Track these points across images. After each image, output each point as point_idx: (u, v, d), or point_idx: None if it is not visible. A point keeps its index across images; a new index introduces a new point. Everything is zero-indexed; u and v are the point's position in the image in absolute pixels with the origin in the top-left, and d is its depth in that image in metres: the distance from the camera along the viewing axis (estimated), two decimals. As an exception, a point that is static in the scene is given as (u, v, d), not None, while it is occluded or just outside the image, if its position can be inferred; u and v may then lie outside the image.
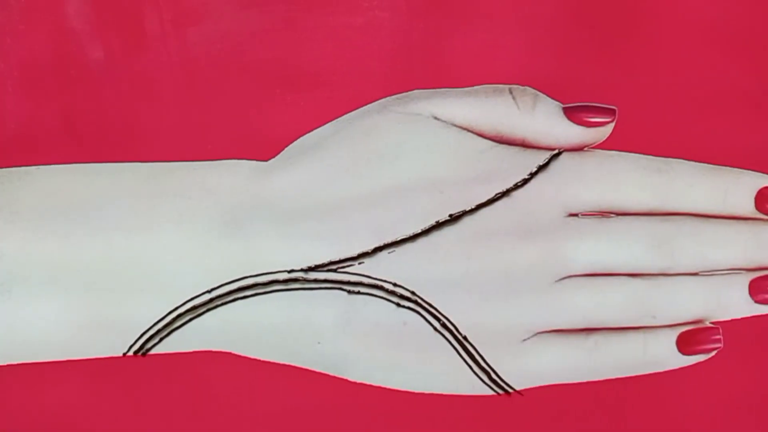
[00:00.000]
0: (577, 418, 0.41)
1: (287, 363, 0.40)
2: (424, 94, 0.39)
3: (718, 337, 0.41)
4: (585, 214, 0.40)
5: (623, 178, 0.40)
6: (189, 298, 0.39)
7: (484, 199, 0.40)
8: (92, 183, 0.39)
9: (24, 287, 0.39)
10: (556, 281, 0.40)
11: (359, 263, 0.40)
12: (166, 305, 0.39)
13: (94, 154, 0.39)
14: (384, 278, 0.40)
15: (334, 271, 0.40)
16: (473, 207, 0.40)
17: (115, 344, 0.39)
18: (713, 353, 0.41)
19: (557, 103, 0.40)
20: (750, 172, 0.41)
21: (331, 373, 0.40)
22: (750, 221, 0.41)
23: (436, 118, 0.40)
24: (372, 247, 0.40)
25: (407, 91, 0.39)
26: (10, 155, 0.38)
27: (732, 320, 0.41)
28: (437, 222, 0.40)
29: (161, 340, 0.39)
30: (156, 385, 0.39)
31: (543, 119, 0.40)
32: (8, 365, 0.39)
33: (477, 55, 0.39)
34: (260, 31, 0.38)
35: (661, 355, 0.41)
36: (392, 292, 0.40)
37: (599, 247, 0.40)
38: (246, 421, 0.40)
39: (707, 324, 0.41)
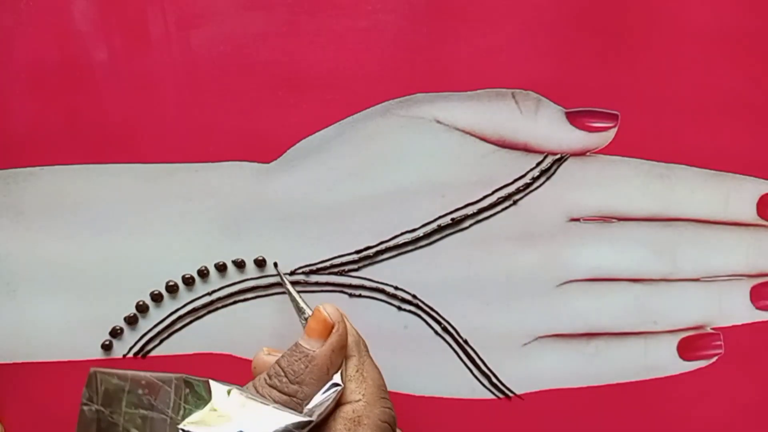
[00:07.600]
0: (577, 422, 0.41)
1: (288, 365, 0.40)
2: (427, 97, 0.39)
3: (718, 342, 0.41)
4: (587, 219, 0.40)
5: (625, 184, 0.40)
6: (190, 300, 0.39)
7: (486, 204, 0.40)
8: (96, 184, 0.39)
9: (28, 287, 0.39)
10: (558, 286, 0.40)
11: (361, 266, 0.40)
12: (166, 307, 0.39)
13: (97, 155, 0.39)
14: (385, 281, 0.40)
15: (336, 274, 0.40)
16: (475, 211, 0.40)
17: (115, 345, 0.39)
18: (714, 359, 0.41)
19: (560, 107, 0.40)
20: (752, 178, 0.41)
21: (332, 376, 0.40)
22: (752, 227, 0.41)
23: (438, 121, 0.40)
24: (374, 250, 0.40)
25: (410, 94, 0.39)
26: (15, 156, 0.39)
27: (733, 326, 0.41)
28: (439, 226, 0.40)
29: (162, 341, 0.40)
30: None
31: (545, 124, 0.40)
32: (11, 363, 0.39)
33: (480, 59, 0.39)
34: (263, 33, 0.38)
35: (662, 360, 0.41)
36: (393, 296, 0.40)
37: (601, 252, 0.40)
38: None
39: (708, 330, 0.41)
